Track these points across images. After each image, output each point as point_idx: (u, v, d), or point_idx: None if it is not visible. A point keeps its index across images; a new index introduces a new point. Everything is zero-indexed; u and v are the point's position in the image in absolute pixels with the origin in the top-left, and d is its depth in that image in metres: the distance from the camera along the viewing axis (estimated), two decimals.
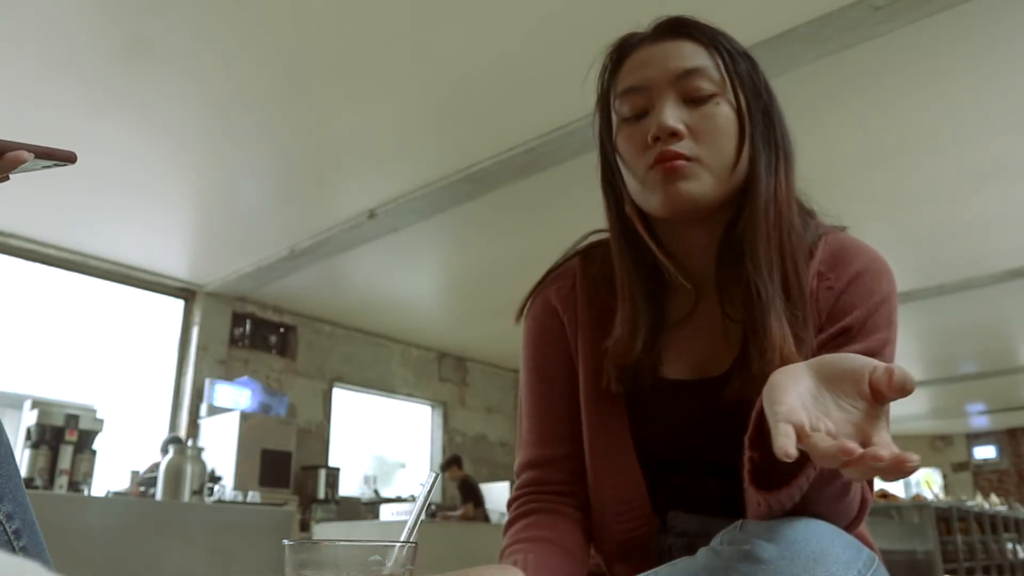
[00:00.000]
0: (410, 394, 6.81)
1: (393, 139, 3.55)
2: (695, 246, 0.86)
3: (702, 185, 0.79)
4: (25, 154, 0.67)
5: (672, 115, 0.79)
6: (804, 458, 0.60)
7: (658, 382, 0.84)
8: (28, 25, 2.67)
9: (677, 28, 0.84)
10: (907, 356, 7.19)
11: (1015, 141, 3.57)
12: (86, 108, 3.18)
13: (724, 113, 0.81)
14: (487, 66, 2.98)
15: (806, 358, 0.74)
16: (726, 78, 0.82)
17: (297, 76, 3.05)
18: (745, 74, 0.83)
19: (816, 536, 0.60)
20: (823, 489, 0.66)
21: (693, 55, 0.82)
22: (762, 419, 0.63)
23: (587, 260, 0.93)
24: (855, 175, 3.82)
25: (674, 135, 0.78)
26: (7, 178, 0.68)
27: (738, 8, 2.50)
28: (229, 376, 5.29)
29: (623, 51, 0.87)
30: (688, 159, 0.78)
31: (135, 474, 3.96)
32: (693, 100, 0.81)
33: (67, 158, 0.73)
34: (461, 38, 2.82)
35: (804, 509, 0.67)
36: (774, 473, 0.65)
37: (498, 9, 2.65)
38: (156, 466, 3.87)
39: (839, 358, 0.60)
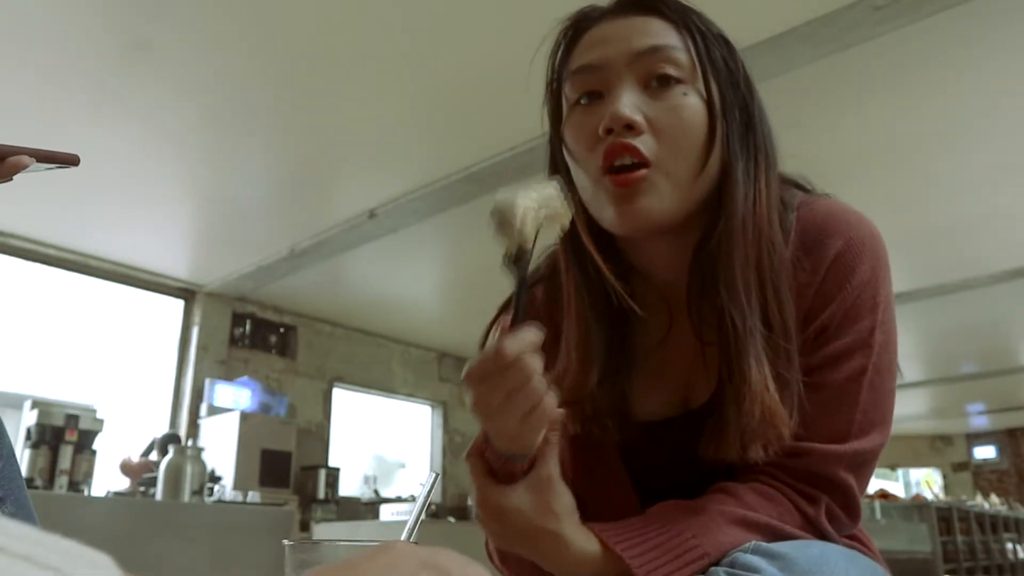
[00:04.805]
0: (410, 394, 6.81)
1: (393, 139, 3.55)
2: (661, 260, 0.75)
3: (662, 200, 0.67)
4: (27, 159, 0.67)
5: (628, 103, 0.67)
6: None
7: (633, 426, 0.75)
8: (27, 30, 2.67)
9: (643, 2, 0.72)
10: (907, 356, 7.19)
11: (1016, 142, 3.57)
12: (86, 109, 3.18)
13: (692, 105, 0.68)
14: (488, 65, 2.97)
15: (792, 405, 0.67)
16: (697, 64, 0.70)
17: (297, 76, 3.05)
18: (720, 61, 0.71)
19: (831, 565, 0.58)
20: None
21: (659, 33, 0.70)
22: None
23: (549, 285, 0.83)
24: (855, 175, 3.81)
25: (630, 127, 0.67)
26: (10, 179, 0.68)
27: (738, 8, 2.49)
28: (229, 376, 5.28)
29: (579, 27, 0.76)
30: (644, 161, 0.67)
31: (127, 462, 3.94)
32: (656, 87, 0.69)
33: (69, 161, 0.73)
34: (461, 38, 2.81)
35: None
36: None
37: (499, 9, 2.65)
38: (150, 463, 3.87)
39: None
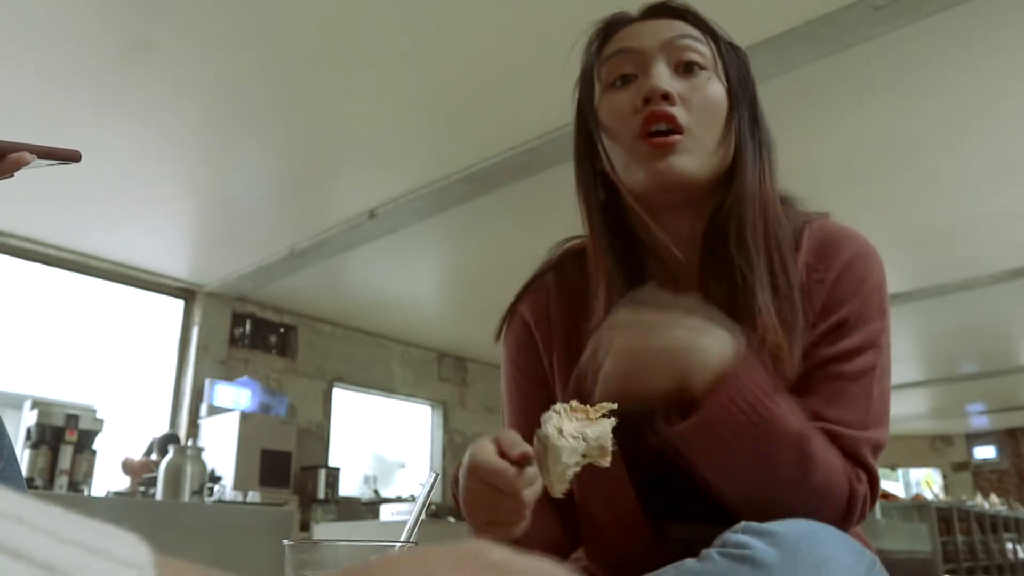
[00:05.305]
0: (410, 394, 6.81)
1: (393, 139, 3.55)
2: (676, 235, 0.81)
3: (693, 161, 0.76)
4: (28, 156, 0.67)
5: (664, 79, 0.77)
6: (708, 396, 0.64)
7: None
8: (27, 30, 2.67)
9: (669, 9, 0.83)
10: (907, 356, 7.19)
11: (1016, 142, 3.57)
12: (86, 109, 3.18)
13: (716, 88, 0.79)
14: (488, 66, 2.98)
15: (793, 348, 0.74)
16: (717, 60, 0.80)
17: (296, 77, 3.05)
18: (734, 63, 0.82)
19: (818, 540, 0.59)
20: (770, 464, 0.66)
21: (685, 28, 0.81)
22: None
23: (560, 271, 0.90)
24: (855, 175, 3.82)
25: (666, 98, 0.75)
26: (11, 175, 0.68)
27: (738, 8, 2.49)
28: (229, 376, 5.29)
29: (611, 27, 0.85)
30: (679, 128, 0.75)
31: (128, 462, 3.96)
32: (685, 70, 0.79)
33: (71, 157, 0.73)
34: (461, 38, 2.82)
35: (759, 488, 0.67)
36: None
37: (499, 9, 2.65)
38: (151, 463, 3.87)
39: None
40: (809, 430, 0.68)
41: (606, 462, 0.61)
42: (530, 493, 0.62)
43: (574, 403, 0.62)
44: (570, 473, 0.59)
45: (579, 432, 0.60)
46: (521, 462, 0.61)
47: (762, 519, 0.62)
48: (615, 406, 0.62)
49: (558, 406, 0.62)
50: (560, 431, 0.59)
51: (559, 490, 0.60)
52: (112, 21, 2.68)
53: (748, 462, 0.66)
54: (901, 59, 2.94)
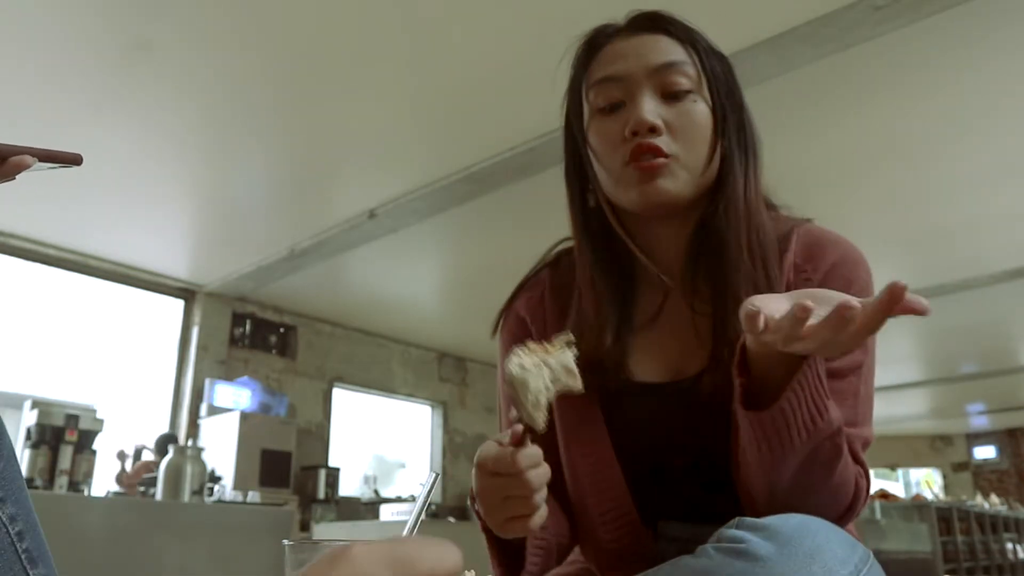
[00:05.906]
0: (410, 394, 6.81)
1: (393, 139, 3.55)
2: (663, 243, 0.85)
3: (678, 183, 0.79)
4: (29, 159, 0.67)
5: (650, 110, 0.79)
6: (788, 379, 0.64)
7: (633, 386, 0.83)
8: (27, 30, 2.67)
9: (654, 23, 0.84)
10: (907, 356, 7.19)
11: (1016, 142, 3.57)
12: (86, 109, 3.18)
13: (701, 111, 0.81)
14: (488, 65, 2.98)
15: None
16: (702, 76, 0.82)
17: (297, 76, 3.05)
18: (720, 74, 0.84)
19: (812, 532, 0.60)
20: (813, 453, 0.67)
21: (670, 50, 0.82)
22: (744, 349, 0.68)
23: (555, 269, 0.93)
24: (855, 175, 3.81)
25: (653, 130, 0.78)
26: (13, 178, 0.69)
27: (738, 8, 2.49)
28: (229, 376, 5.29)
29: (597, 41, 0.87)
30: (665, 156, 0.78)
31: (122, 455, 3.97)
32: (670, 96, 0.81)
33: (72, 160, 0.73)
34: (461, 38, 2.82)
35: (796, 478, 0.68)
36: (763, 400, 0.67)
37: (499, 9, 2.65)
38: (150, 464, 3.87)
39: (819, 292, 0.62)
40: (843, 423, 0.69)
41: (576, 384, 0.63)
42: (535, 475, 0.63)
43: (530, 343, 0.64)
44: (543, 400, 0.61)
45: (540, 361, 0.62)
46: (516, 442, 0.63)
47: (773, 511, 0.63)
48: (573, 339, 0.65)
49: (516, 349, 0.64)
50: (522, 367, 0.61)
51: (538, 419, 0.61)
52: (112, 21, 2.68)
53: (799, 452, 0.67)
54: (901, 59, 2.94)
